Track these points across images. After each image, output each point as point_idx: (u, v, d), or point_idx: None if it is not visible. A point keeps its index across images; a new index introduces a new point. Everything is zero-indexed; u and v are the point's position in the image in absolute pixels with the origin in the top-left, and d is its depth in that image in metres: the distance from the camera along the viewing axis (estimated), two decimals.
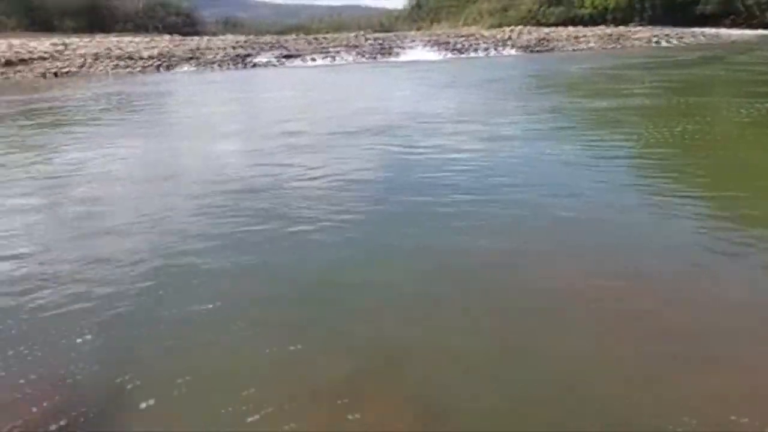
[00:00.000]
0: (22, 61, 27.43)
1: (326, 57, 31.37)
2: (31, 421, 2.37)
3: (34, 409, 2.44)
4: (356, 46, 34.21)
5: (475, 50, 33.40)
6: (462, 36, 39.46)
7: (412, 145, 7.51)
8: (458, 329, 2.97)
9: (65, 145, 8.85)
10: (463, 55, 32.33)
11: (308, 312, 3.22)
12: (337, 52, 32.41)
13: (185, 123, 11.53)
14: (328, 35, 43.85)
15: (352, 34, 42.77)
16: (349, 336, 2.95)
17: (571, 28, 46.17)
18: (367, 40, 37.64)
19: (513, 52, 33.44)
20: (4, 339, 2.99)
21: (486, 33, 43.06)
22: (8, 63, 26.72)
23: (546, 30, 44.62)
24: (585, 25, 52.78)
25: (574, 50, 34.68)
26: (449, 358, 2.73)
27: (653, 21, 54.78)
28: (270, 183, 5.91)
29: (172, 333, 3.03)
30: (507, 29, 44.21)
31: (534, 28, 47.71)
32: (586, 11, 63.30)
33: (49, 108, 14.10)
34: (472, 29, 53.74)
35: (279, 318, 3.17)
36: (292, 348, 2.82)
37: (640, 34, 40.35)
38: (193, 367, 2.72)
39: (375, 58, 31.65)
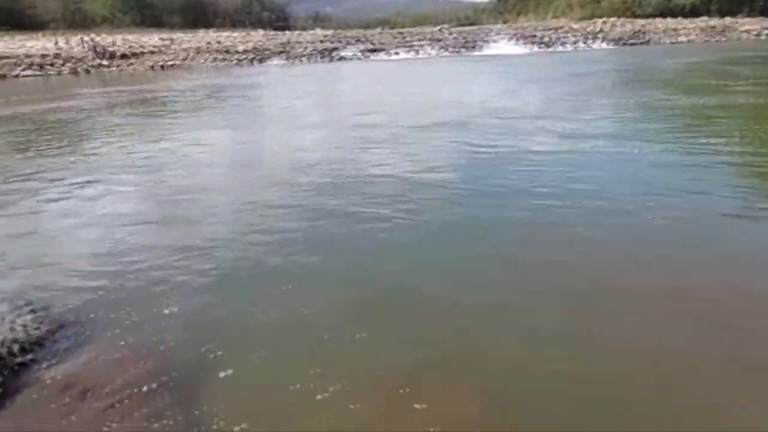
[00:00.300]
0: (134, 54, 29.78)
1: (409, 51, 31.41)
2: (133, 380, 2.63)
3: (133, 369, 2.70)
4: (439, 40, 33.97)
5: (563, 44, 32.08)
6: (549, 29, 38.01)
7: (488, 143, 7.37)
8: (535, 330, 2.93)
9: (164, 132, 9.55)
10: (549, 49, 31.15)
11: (376, 302, 3.30)
12: (420, 45, 32.36)
13: (271, 113, 12.05)
14: (411, 29, 43.82)
15: (436, 28, 42.46)
16: (416, 328, 3.00)
17: (669, 20, 43.08)
18: (450, 33, 37.23)
19: (604, 45, 31.76)
20: (105, 308, 3.33)
21: (575, 25, 41.17)
22: (123, 56, 29.12)
23: (641, 22, 41.92)
24: (685, 16, 48.91)
25: (671, 43, 32.36)
26: (525, 356, 2.71)
27: (766, 12, 49.62)
28: (346, 175, 6.06)
29: (248, 311, 3.23)
30: (598, 21, 42.00)
31: (628, 19, 44.95)
32: (687, 1, 58.55)
33: (153, 98, 15.24)
34: (561, 21, 51.51)
35: (348, 305, 3.28)
36: (358, 335, 2.91)
37: (748, 26, 36.84)
38: (267, 343, 2.90)
39: (458, 51, 31.26)
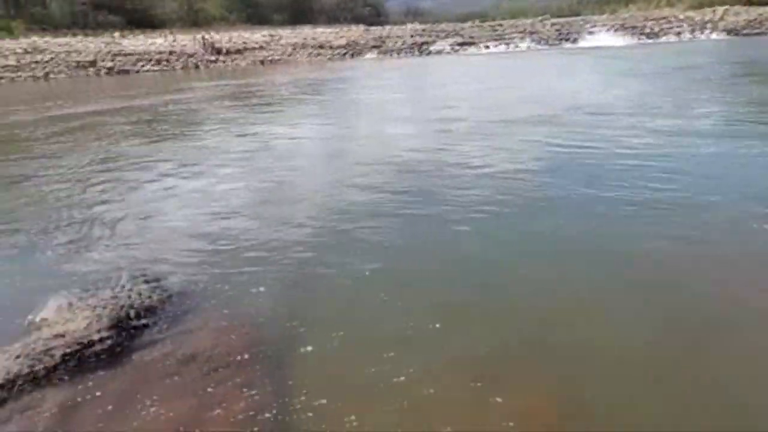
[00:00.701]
0: (241, 51, 31.57)
1: (500, 44, 30.62)
2: (230, 349, 2.86)
3: (231, 339, 2.93)
4: (533, 32, 32.75)
5: (669, 34, 29.71)
6: (653, 19, 35.34)
7: (578, 139, 7.04)
8: (615, 330, 2.82)
9: (261, 123, 10.07)
10: (653, 41, 29.01)
11: (456, 291, 3.31)
12: (512, 38, 31.40)
13: (361, 106, 12.30)
14: (504, 21, 42.60)
15: (533, 20, 40.96)
16: (495, 320, 2.98)
17: None
18: (545, 26, 35.78)
19: (715, 36, 29.06)
20: (208, 282, 3.62)
21: (682, 15, 37.92)
22: (228, 52, 30.98)
23: (759, 10, 37.74)
24: None
25: None
26: (603, 357, 2.61)
27: None
28: (431, 167, 6.08)
29: (333, 292, 3.37)
30: (708, 10, 38.39)
31: (743, 8, 40.63)
32: None
33: (254, 91, 16.10)
34: (665, 11, 47.65)
35: (428, 292, 3.32)
36: (438, 323, 2.94)
37: None
38: (348, 323, 3.01)
39: (553, 44, 30.01)
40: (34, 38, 31.12)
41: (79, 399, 2.50)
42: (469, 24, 41.01)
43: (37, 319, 3.07)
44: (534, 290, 3.26)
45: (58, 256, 4.26)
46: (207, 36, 33.69)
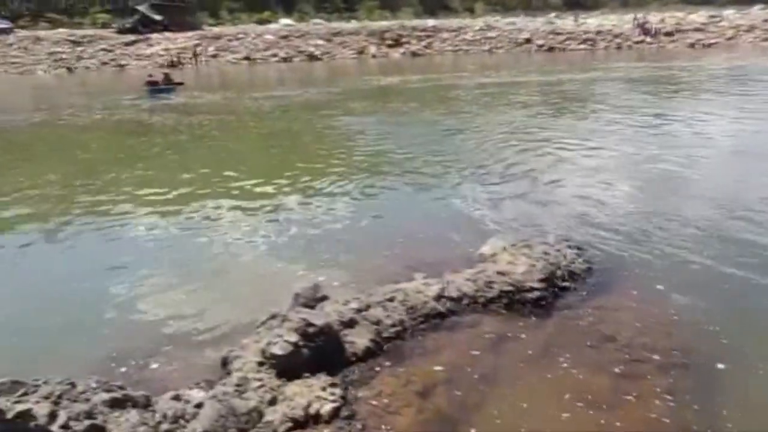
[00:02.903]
0: (669, 33, 28.00)
1: None
2: (645, 340, 2.61)
3: (646, 326, 2.67)
4: None
5: None
6: None
7: None
8: None
9: (666, 109, 8.80)
10: None
11: None
12: None
13: None
14: None
15: None
16: None
17: None
18: None
19: None
20: (628, 260, 3.37)
21: None
22: (667, 34, 27.77)
23: None
24: None
25: None
26: None
27: None
28: None
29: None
30: None
31: None
32: None
33: (672, 75, 14.06)
34: None
35: None
36: None
37: None
38: None
39: None
40: (487, 18, 35.36)
41: (508, 334, 2.73)
42: None
43: (483, 255, 3.51)
44: None
45: (485, 200, 4.82)
46: (639, 16, 31.09)
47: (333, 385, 2.20)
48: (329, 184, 5.52)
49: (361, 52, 27.15)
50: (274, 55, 26.42)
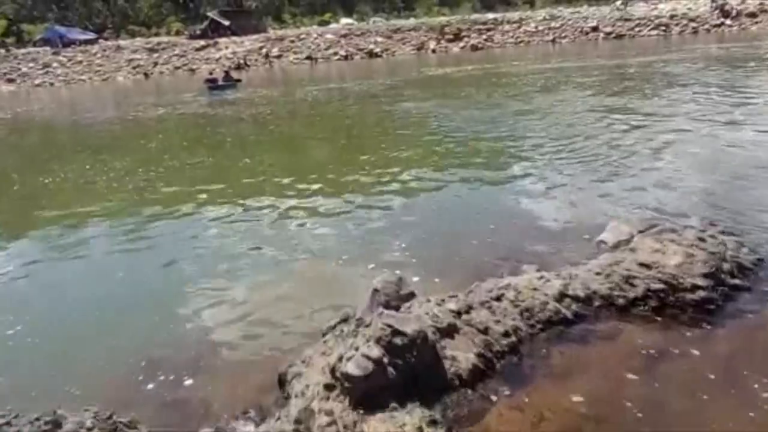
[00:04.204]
0: (752, 14, 25.05)
1: None
2: None
3: None
4: None
5: None
6: None
7: None
8: None
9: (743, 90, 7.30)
10: None
11: None
12: None
13: None
14: None
15: None
16: None
17: None
18: None
19: None
20: None
21: None
22: (737, 15, 25.00)
23: None
24: None
25: None
26: None
27: None
28: None
29: None
30: None
31: None
32: None
33: (751, 55, 12.11)
34: None
35: None
36: None
37: None
38: None
39: None
40: (549, 9, 33.36)
41: (671, 349, 1.87)
42: None
43: (603, 242, 2.65)
44: None
45: (580, 180, 3.90)
46: None
47: (433, 423, 1.46)
48: (396, 165, 4.81)
49: (420, 47, 26.29)
50: (335, 54, 26.12)
